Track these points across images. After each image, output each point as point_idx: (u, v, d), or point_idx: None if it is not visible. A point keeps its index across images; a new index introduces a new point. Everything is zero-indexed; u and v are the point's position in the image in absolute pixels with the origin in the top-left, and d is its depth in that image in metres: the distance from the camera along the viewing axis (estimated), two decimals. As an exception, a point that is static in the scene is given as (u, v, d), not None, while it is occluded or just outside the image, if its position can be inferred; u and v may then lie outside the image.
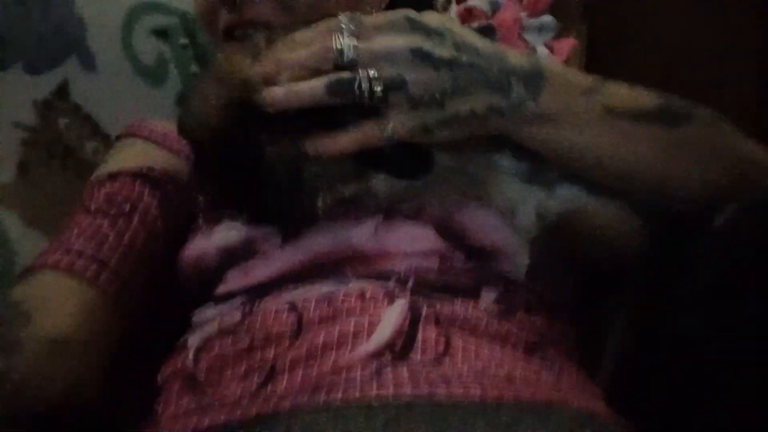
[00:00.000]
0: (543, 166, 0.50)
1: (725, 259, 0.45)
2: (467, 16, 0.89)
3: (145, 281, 0.55)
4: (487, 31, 0.83)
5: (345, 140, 0.47)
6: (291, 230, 0.51)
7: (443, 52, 0.46)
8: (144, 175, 0.59)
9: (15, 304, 0.49)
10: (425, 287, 0.47)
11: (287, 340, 0.44)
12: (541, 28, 0.90)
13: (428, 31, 0.46)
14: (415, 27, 0.46)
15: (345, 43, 0.45)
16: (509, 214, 0.51)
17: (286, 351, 0.44)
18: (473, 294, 0.48)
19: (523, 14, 0.91)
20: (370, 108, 0.46)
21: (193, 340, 0.49)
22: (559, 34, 0.93)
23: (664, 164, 0.48)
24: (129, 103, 0.76)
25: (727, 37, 1.69)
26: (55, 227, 0.58)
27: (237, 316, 0.48)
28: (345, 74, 0.45)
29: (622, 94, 0.49)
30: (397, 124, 0.46)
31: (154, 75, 0.78)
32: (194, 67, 0.80)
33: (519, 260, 0.50)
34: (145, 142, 0.65)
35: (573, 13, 1.63)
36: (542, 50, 0.87)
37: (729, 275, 0.44)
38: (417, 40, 0.46)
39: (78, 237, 0.53)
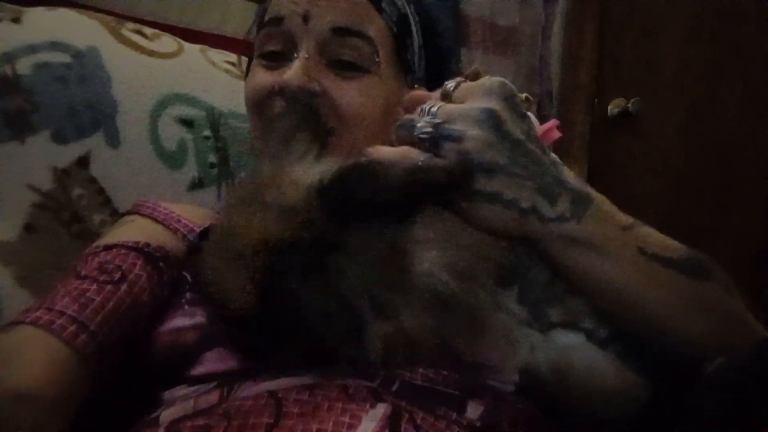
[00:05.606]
0: (544, 311, 0.50)
1: (716, 401, 0.45)
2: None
3: (123, 349, 0.54)
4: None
5: (387, 150, 0.50)
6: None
7: (515, 129, 0.48)
8: (139, 249, 0.60)
9: None
10: (410, 391, 0.46)
11: (263, 431, 0.43)
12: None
13: (514, 107, 0.48)
14: (507, 97, 0.48)
15: (431, 106, 0.49)
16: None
17: None
18: (458, 405, 0.46)
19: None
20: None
21: (166, 416, 0.47)
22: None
23: (682, 313, 0.49)
24: (144, 183, 0.78)
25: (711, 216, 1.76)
26: (45, 290, 0.58)
27: (214, 398, 0.47)
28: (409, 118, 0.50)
29: (656, 237, 0.50)
30: (436, 162, 0.47)
31: (173, 159, 0.81)
32: (212, 158, 0.84)
33: (508, 377, 0.50)
34: (147, 219, 0.67)
35: (576, 152, 1.72)
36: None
37: (719, 416, 0.44)
38: (497, 106, 0.47)
39: (62, 297, 0.53)
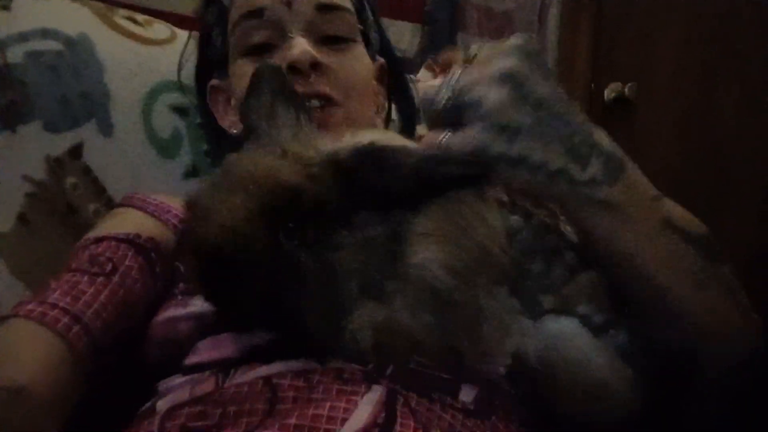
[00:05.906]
0: (537, 300, 0.49)
1: (713, 408, 0.46)
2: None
3: (116, 341, 0.54)
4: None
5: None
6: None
7: (539, 88, 0.45)
8: (129, 241, 0.60)
9: None
10: (404, 375, 0.46)
11: (259, 418, 0.43)
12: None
13: (538, 64, 0.45)
14: (529, 54, 0.45)
15: (452, 74, 0.46)
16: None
17: (256, 430, 0.42)
18: (452, 389, 0.46)
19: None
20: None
21: (162, 404, 0.47)
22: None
23: (693, 290, 0.48)
24: (139, 171, 0.78)
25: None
26: (40, 282, 0.57)
27: (210, 385, 0.47)
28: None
29: (679, 211, 0.49)
30: (455, 138, 0.45)
31: (167, 148, 0.81)
32: (206, 146, 0.83)
33: (500, 361, 0.50)
34: (137, 211, 0.66)
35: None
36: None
37: (717, 422, 0.44)
38: (516, 66, 0.45)
39: (55, 291, 0.53)
